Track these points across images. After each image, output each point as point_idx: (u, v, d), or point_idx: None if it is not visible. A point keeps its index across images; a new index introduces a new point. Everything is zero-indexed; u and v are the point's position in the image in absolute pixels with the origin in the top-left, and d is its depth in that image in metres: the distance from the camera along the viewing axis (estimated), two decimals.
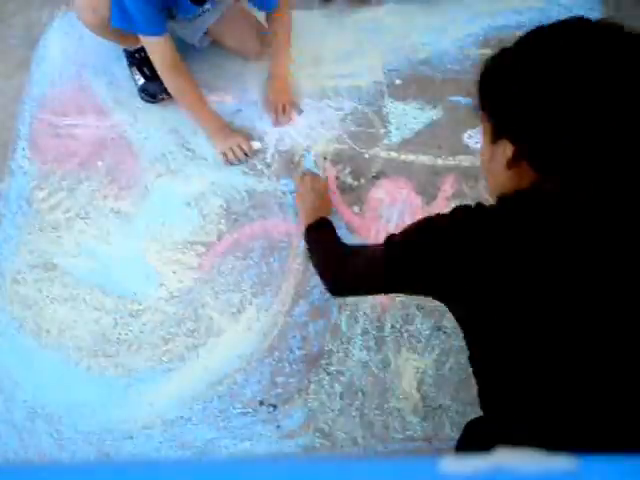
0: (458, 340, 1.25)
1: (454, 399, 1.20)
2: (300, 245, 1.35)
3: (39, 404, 1.21)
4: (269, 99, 1.51)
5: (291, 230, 1.37)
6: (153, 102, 1.53)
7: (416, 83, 1.56)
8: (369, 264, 0.89)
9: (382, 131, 1.49)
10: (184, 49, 1.61)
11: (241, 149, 1.43)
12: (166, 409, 1.20)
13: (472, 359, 0.76)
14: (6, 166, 1.46)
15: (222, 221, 1.38)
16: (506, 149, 0.69)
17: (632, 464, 0.26)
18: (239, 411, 1.20)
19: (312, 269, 1.32)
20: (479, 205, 0.74)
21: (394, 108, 1.52)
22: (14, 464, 1.05)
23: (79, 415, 1.20)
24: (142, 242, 1.36)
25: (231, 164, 1.44)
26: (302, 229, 1.24)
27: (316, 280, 1.31)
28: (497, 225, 0.68)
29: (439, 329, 1.26)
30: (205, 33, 1.52)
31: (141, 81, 1.53)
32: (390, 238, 0.83)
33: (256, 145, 1.46)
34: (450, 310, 0.76)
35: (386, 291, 0.93)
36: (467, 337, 0.75)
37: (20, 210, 1.40)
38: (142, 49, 1.47)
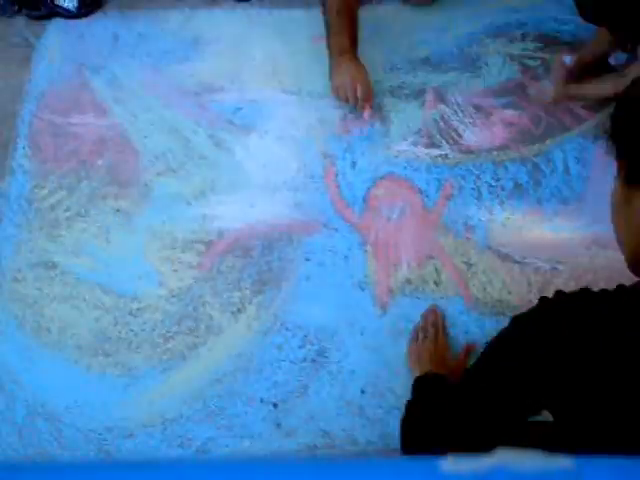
0: (458, 339, 1.25)
1: None
2: (301, 243, 1.35)
3: (39, 402, 1.21)
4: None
5: (292, 228, 1.37)
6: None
7: (416, 82, 1.55)
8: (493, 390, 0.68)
9: (382, 130, 1.48)
10: (177, 50, 1.61)
11: (355, 91, 1.38)
12: (166, 407, 1.20)
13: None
14: (6, 165, 1.46)
15: (222, 219, 1.38)
16: None
17: (632, 464, 0.26)
18: (239, 410, 1.20)
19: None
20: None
21: (394, 107, 1.51)
22: (14, 462, 1.05)
23: (79, 413, 1.20)
24: (142, 241, 1.36)
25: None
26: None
27: (317, 279, 1.32)
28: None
29: None
30: None
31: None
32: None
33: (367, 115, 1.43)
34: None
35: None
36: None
37: (20, 209, 1.40)
38: None
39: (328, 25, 1.42)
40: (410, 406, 0.92)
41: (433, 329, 1.21)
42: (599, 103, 1.48)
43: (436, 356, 1.16)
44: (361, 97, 1.41)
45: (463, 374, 0.77)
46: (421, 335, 1.21)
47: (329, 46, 1.44)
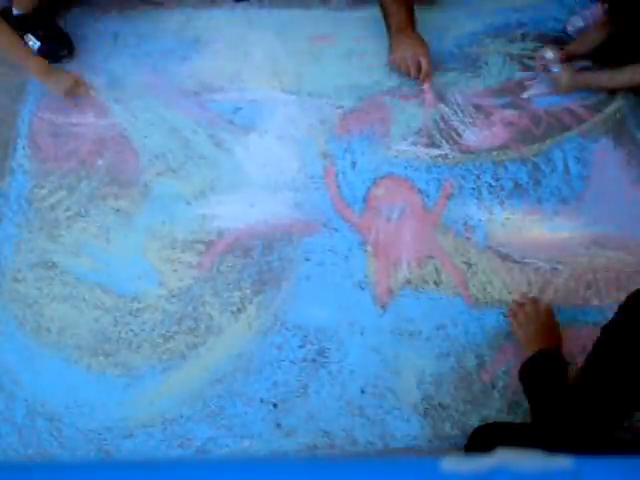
0: (458, 339, 1.25)
1: (454, 398, 1.20)
2: (301, 243, 1.35)
3: (39, 402, 1.21)
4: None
5: (292, 228, 1.37)
6: (56, 63, 1.54)
7: (416, 82, 1.55)
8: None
9: (382, 129, 1.48)
10: (178, 50, 1.61)
11: (417, 64, 1.48)
12: (166, 407, 1.20)
13: None
14: (6, 165, 1.46)
15: (222, 219, 1.38)
16: None
17: (631, 464, 0.26)
18: (239, 410, 1.20)
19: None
20: None
21: (394, 106, 1.51)
22: (14, 462, 1.06)
23: (79, 413, 1.20)
24: (142, 241, 1.36)
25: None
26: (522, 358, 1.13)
27: (317, 279, 1.32)
28: None
29: (439, 328, 1.26)
30: None
31: (37, 45, 1.56)
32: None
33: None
34: None
35: None
36: None
37: (20, 209, 1.40)
38: (34, 12, 1.53)
39: (384, 4, 1.51)
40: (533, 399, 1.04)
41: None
42: (613, 92, 1.50)
43: (542, 328, 1.19)
44: (425, 70, 1.50)
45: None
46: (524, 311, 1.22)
47: (387, 25, 1.52)
